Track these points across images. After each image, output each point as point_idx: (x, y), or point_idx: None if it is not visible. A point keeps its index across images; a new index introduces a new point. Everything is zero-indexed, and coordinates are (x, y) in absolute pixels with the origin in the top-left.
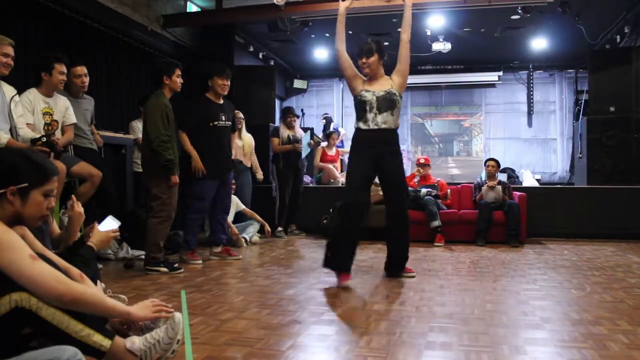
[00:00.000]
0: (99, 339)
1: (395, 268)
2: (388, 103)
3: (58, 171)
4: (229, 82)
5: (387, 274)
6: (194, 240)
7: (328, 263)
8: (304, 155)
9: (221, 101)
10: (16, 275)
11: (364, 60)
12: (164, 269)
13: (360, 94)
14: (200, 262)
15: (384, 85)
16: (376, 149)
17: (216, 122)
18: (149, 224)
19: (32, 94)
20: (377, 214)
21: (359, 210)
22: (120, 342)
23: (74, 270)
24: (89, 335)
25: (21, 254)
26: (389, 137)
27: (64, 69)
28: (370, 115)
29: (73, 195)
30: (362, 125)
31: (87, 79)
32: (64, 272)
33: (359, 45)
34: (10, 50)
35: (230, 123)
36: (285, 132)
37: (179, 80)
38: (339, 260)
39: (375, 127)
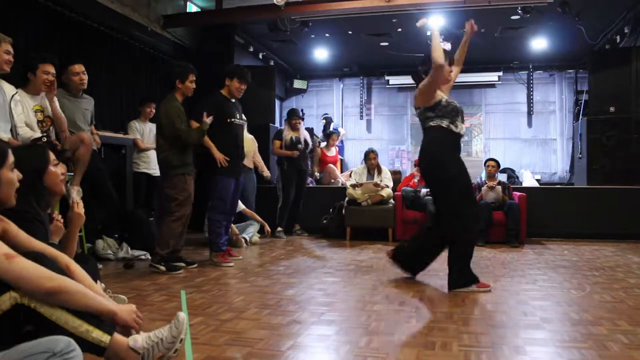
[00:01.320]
0: (98, 335)
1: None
2: (463, 115)
3: (7, 143)
4: (245, 88)
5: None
6: (222, 242)
7: (472, 279)
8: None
9: (233, 100)
10: None
11: (451, 68)
12: (162, 268)
13: (450, 100)
14: (232, 264)
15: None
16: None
17: (233, 119)
18: (165, 221)
19: (19, 94)
20: (377, 214)
21: None
22: (120, 339)
23: (62, 258)
24: (87, 331)
25: None
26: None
27: (49, 69)
28: (459, 122)
29: (73, 196)
30: (454, 128)
31: (85, 77)
32: (52, 262)
33: (449, 55)
34: (10, 48)
35: (243, 121)
36: (288, 135)
37: (192, 86)
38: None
39: (462, 132)
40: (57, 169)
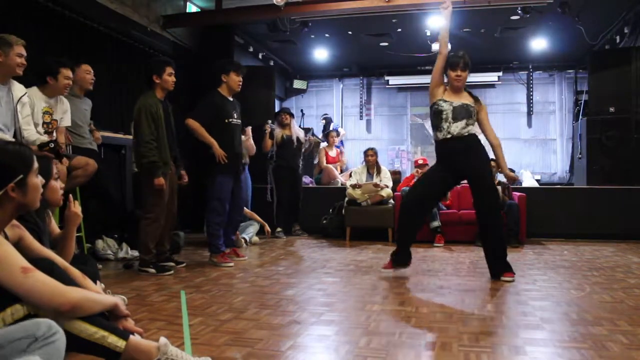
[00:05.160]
0: (114, 340)
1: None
2: (465, 112)
3: (31, 150)
4: (242, 80)
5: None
6: (220, 243)
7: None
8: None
9: (231, 99)
10: (11, 290)
11: (459, 72)
12: (152, 270)
13: (437, 102)
14: (232, 264)
15: (463, 98)
16: (453, 158)
17: (230, 120)
18: (139, 224)
19: (34, 92)
20: (377, 214)
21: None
22: (136, 341)
23: (74, 271)
24: (103, 337)
25: (13, 269)
26: (465, 142)
27: (70, 74)
28: (444, 123)
29: (70, 195)
30: (438, 135)
31: (93, 77)
32: (63, 272)
33: (455, 56)
34: (23, 51)
35: (240, 122)
36: (280, 133)
37: (171, 79)
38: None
39: (448, 135)
40: (57, 183)
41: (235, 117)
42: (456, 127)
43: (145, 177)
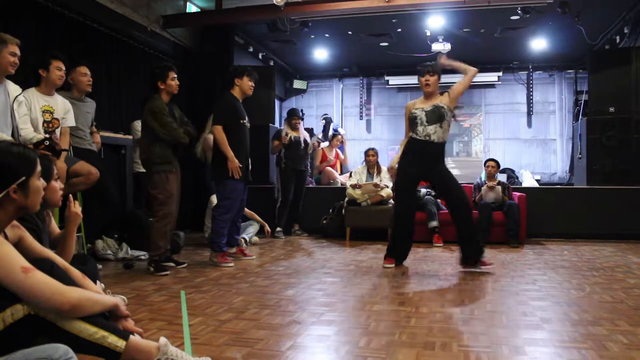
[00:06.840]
0: (114, 340)
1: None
2: (436, 116)
3: (35, 152)
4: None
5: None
6: (223, 242)
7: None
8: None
9: (241, 101)
10: (11, 289)
11: (427, 77)
12: (151, 269)
13: (412, 112)
14: (232, 265)
15: (434, 101)
16: (425, 158)
17: (244, 121)
18: (151, 223)
19: (30, 92)
20: (377, 214)
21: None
22: (137, 341)
23: (74, 271)
24: (103, 337)
25: (13, 269)
26: (437, 150)
27: (61, 65)
28: (420, 126)
29: (70, 195)
30: (415, 136)
31: (91, 79)
32: (62, 272)
33: (422, 64)
34: (17, 50)
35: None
36: (288, 134)
37: (175, 83)
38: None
39: (426, 138)
40: (57, 184)
41: (246, 119)
42: (431, 130)
43: (157, 176)
